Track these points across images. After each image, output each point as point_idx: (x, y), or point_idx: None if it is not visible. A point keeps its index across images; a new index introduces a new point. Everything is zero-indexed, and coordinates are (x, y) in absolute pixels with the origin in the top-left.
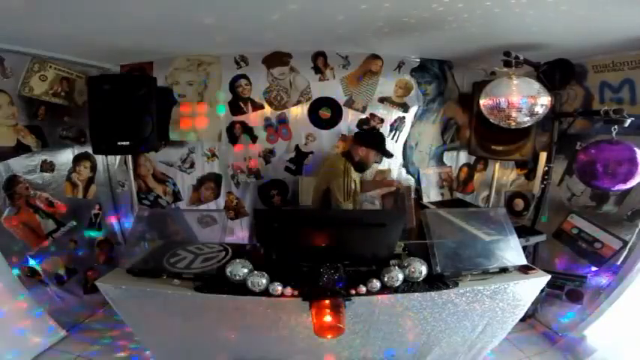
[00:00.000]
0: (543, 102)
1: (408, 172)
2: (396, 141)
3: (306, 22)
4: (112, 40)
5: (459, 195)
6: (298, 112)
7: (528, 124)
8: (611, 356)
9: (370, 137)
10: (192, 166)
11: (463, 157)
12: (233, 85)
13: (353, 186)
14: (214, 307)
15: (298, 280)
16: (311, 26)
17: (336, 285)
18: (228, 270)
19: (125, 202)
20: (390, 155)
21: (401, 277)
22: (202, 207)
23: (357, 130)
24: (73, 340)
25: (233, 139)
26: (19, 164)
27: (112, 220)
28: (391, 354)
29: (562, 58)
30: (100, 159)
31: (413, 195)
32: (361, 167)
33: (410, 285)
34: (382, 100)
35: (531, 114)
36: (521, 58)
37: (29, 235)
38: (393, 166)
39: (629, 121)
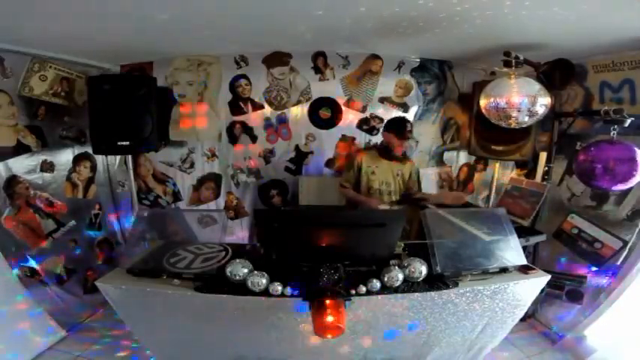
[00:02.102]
0: (543, 102)
1: None
2: None
3: (306, 22)
4: (112, 40)
5: None
6: (298, 112)
7: (528, 124)
8: (611, 356)
9: (390, 121)
10: (192, 166)
11: (463, 157)
12: (233, 85)
13: (355, 164)
14: (214, 307)
15: (298, 280)
16: (311, 26)
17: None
18: (228, 270)
19: (125, 202)
20: (405, 137)
21: (401, 277)
22: (202, 207)
23: (357, 129)
24: (73, 340)
25: (233, 139)
26: (19, 164)
27: (112, 220)
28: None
29: (562, 58)
30: (100, 159)
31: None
32: (384, 151)
33: (410, 285)
34: (382, 100)
35: (531, 114)
36: (521, 58)
37: (29, 235)
38: None
39: (629, 121)
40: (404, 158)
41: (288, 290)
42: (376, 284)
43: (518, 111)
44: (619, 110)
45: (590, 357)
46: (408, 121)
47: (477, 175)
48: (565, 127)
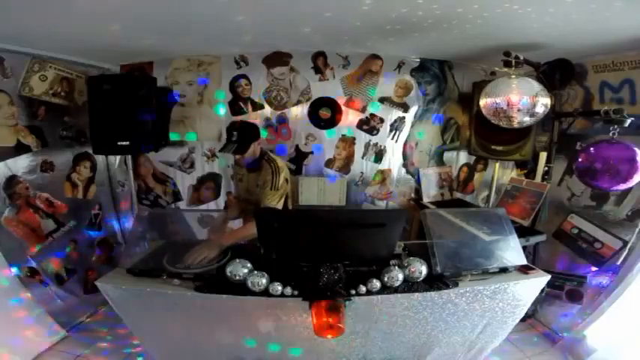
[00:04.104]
0: (543, 102)
1: (407, 172)
2: (396, 141)
3: (306, 22)
4: (112, 40)
5: (459, 195)
6: (298, 112)
7: (528, 124)
8: (611, 356)
9: None
10: (192, 166)
11: (463, 157)
12: (233, 85)
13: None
14: (214, 307)
15: (298, 280)
16: (311, 26)
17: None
18: (228, 270)
19: (125, 202)
20: (235, 151)
21: (401, 277)
22: (202, 207)
23: (357, 129)
24: (73, 340)
25: None
26: (19, 164)
27: (112, 220)
28: None
29: (562, 58)
30: (100, 159)
31: (412, 195)
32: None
33: (410, 285)
34: (382, 100)
35: (531, 114)
36: (521, 58)
37: (29, 235)
38: (393, 167)
39: (629, 121)
40: (258, 168)
41: (288, 290)
42: (376, 284)
43: (518, 111)
44: (619, 110)
45: (590, 357)
46: (235, 131)
47: (476, 175)
48: (565, 127)
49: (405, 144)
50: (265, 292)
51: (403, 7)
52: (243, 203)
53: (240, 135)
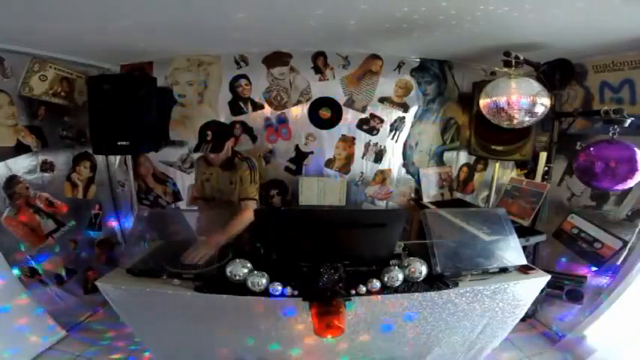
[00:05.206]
0: (543, 102)
1: (408, 172)
2: (396, 141)
3: (306, 22)
4: (112, 40)
5: (459, 195)
6: (298, 112)
7: (528, 124)
8: (611, 356)
9: None
10: (192, 166)
11: (463, 157)
12: (233, 85)
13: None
14: (214, 307)
15: (298, 280)
16: (311, 26)
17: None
18: (228, 270)
19: (125, 202)
20: (209, 150)
21: (401, 277)
22: None
23: (357, 129)
24: (73, 340)
25: None
26: (19, 164)
27: (112, 220)
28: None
29: (562, 58)
30: (100, 159)
31: (412, 195)
32: (206, 160)
33: (410, 285)
34: (382, 100)
35: (531, 114)
36: (521, 58)
37: (29, 235)
38: (393, 166)
39: (629, 121)
40: (232, 166)
41: (288, 290)
42: (376, 284)
43: (518, 111)
44: (619, 110)
45: (590, 357)
46: (209, 130)
47: (476, 175)
48: (565, 127)
49: (405, 144)
50: (265, 292)
51: (404, 8)
52: (210, 202)
53: (215, 134)
